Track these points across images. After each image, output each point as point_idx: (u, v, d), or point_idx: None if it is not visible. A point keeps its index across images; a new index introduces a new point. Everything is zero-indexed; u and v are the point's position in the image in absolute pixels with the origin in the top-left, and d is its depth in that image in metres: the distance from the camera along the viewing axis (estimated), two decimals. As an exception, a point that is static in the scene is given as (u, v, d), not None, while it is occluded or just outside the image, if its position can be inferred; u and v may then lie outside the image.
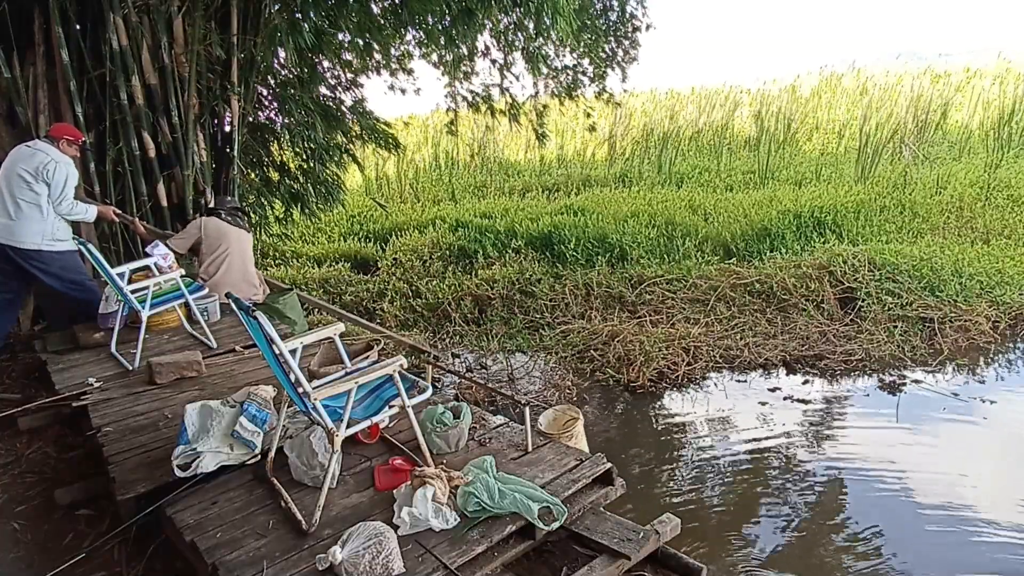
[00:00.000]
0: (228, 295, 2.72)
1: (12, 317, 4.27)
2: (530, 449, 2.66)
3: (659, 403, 4.39)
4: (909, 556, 2.83)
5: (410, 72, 8.10)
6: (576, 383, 4.62)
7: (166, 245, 4.37)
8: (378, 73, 7.84)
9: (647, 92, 15.08)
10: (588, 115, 8.96)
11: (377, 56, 7.60)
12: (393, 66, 7.93)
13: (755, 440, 3.84)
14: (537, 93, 8.04)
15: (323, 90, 7.05)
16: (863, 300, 5.38)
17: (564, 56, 7.82)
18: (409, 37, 7.51)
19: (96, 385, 3.45)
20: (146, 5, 4.80)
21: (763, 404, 4.27)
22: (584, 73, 8.03)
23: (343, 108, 7.12)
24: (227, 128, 5.60)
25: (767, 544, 2.95)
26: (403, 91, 8.15)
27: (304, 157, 6.93)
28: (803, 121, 12.62)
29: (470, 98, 8.02)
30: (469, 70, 7.71)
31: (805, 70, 16.67)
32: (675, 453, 3.76)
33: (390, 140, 7.52)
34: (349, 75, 7.57)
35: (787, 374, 4.70)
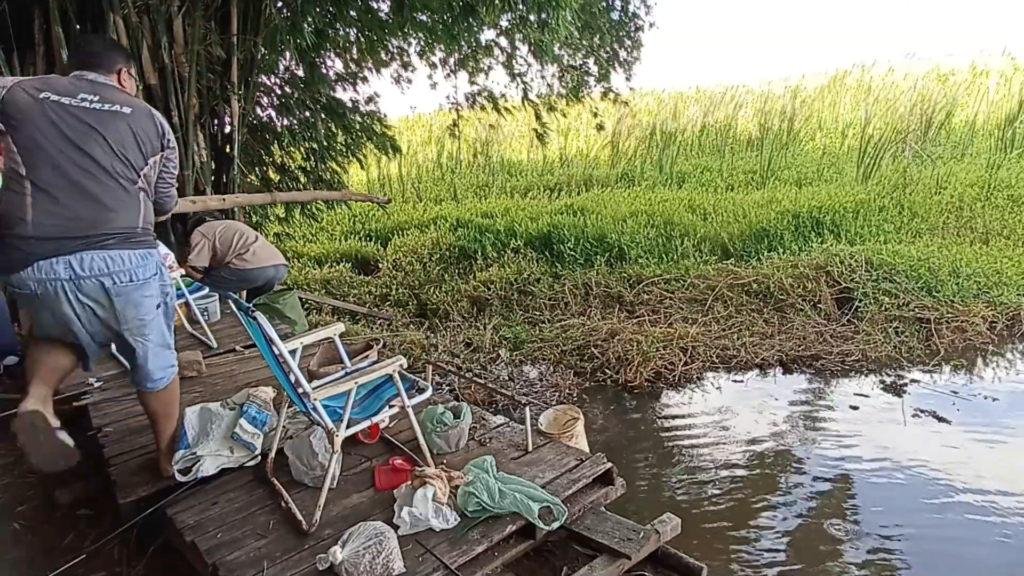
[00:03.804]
0: (228, 296, 2.73)
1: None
2: (530, 449, 2.67)
3: (658, 403, 4.40)
4: (913, 555, 2.83)
5: (409, 68, 8.09)
6: (576, 383, 4.63)
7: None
8: (379, 72, 7.84)
9: (651, 92, 15.09)
10: (595, 115, 8.97)
11: (380, 55, 7.59)
12: (395, 66, 7.92)
13: (754, 440, 3.85)
14: (549, 88, 7.98)
15: (325, 89, 7.05)
16: (860, 300, 5.40)
17: (572, 56, 7.80)
18: (412, 36, 7.50)
19: (96, 385, 3.46)
20: (146, 5, 4.81)
21: (761, 404, 4.29)
22: (590, 73, 8.02)
23: (344, 107, 7.12)
24: (227, 128, 5.60)
25: (768, 543, 2.96)
26: (410, 81, 8.08)
27: (304, 156, 6.94)
28: (806, 121, 12.62)
29: (476, 97, 7.99)
30: (475, 66, 7.70)
31: (810, 69, 16.71)
32: (675, 453, 3.77)
33: (389, 143, 7.51)
34: (353, 71, 7.56)
35: (784, 374, 4.71)
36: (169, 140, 2.28)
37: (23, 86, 2.06)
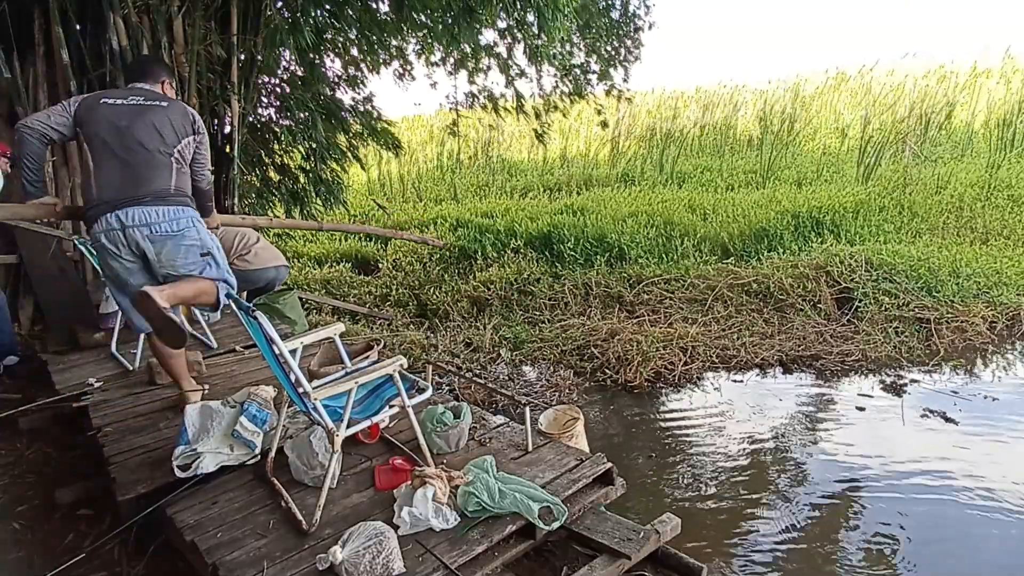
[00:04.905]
0: (228, 295, 2.73)
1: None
2: (530, 449, 2.67)
3: (658, 403, 4.40)
4: (916, 555, 2.83)
5: (410, 67, 8.07)
6: (576, 383, 4.63)
7: None
8: (378, 72, 7.84)
9: (651, 91, 15.08)
10: (599, 112, 8.96)
11: (380, 55, 7.59)
12: (395, 65, 7.92)
13: (754, 440, 3.85)
14: (544, 92, 7.98)
15: (325, 89, 7.05)
16: (860, 300, 5.39)
17: (573, 55, 7.81)
18: (412, 37, 7.50)
19: (96, 385, 3.46)
20: (146, 5, 4.81)
21: (761, 404, 4.28)
22: (592, 72, 8.02)
23: (344, 107, 7.12)
24: (227, 128, 5.60)
25: (768, 544, 2.96)
26: (413, 78, 8.03)
27: (304, 156, 6.94)
28: (807, 121, 12.61)
29: (477, 96, 7.99)
30: (475, 66, 7.69)
31: (810, 69, 16.68)
32: (675, 453, 3.77)
33: (390, 141, 7.51)
34: (352, 72, 7.56)
35: (784, 374, 4.71)
36: (199, 128, 2.87)
37: (90, 98, 2.74)
